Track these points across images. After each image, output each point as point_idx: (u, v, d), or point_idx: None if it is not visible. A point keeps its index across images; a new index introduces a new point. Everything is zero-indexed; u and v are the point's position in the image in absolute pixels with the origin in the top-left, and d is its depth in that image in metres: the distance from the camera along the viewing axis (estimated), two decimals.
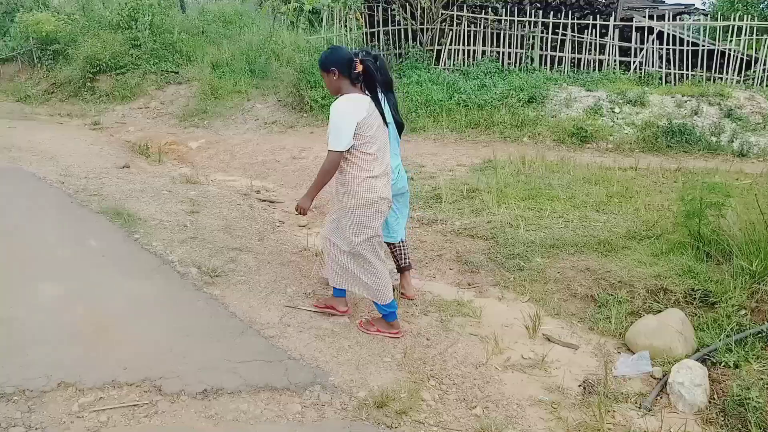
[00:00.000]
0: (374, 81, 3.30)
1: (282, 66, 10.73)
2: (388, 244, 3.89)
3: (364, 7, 10.68)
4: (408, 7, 10.38)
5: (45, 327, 3.34)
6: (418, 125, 8.28)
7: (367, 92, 3.28)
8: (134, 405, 2.75)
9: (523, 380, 3.24)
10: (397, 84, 9.23)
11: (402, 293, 4.07)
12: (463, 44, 10.42)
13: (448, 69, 10.22)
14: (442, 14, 10.34)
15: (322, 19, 12.31)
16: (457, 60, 10.45)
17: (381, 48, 10.63)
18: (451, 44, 10.44)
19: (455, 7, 10.31)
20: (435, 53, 10.51)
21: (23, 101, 11.22)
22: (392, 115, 3.57)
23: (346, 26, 10.93)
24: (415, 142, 7.86)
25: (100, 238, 4.63)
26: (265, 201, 6.13)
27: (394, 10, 10.40)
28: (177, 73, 11.00)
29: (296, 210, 3.46)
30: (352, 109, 3.15)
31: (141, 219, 5.05)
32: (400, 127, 3.68)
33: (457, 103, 8.69)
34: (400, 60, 10.56)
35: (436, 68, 10.16)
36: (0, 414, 2.64)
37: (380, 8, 10.56)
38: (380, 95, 3.37)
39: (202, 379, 2.94)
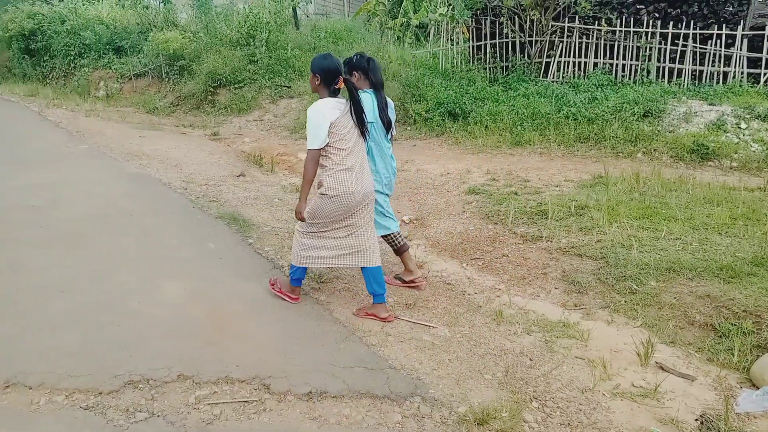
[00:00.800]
0: (371, 81, 3.90)
1: (387, 80, 10.95)
2: (384, 236, 4.21)
3: (472, 21, 10.67)
4: (517, 19, 10.25)
5: (168, 322, 3.62)
6: (523, 138, 8.12)
7: (340, 97, 3.64)
8: (245, 401, 2.90)
9: (633, 409, 3.07)
10: (503, 97, 9.12)
11: (407, 282, 4.34)
12: (574, 56, 10.11)
13: (556, 81, 9.96)
14: (552, 26, 10.11)
15: (428, 33, 12.43)
16: (567, 72, 10.16)
17: (488, 61, 10.56)
18: (560, 56, 10.17)
19: (566, 19, 10.04)
20: (543, 66, 10.28)
21: (152, 113, 12.26)
22: (378, 113, 3.92)
23: (451, 40, 10.97)
24: (520, 155, 7.71)
25: (218, 241, 4.94)
26: None
27: (502, 23, 10.31)
28: (289, 87, 11.55)
29: (295, 216, 3.74)
30: (326, 111, 3.52)
31: (255, 225, 5.34)
32: (387, 125, 4.01)
33: (565, 117, 8.42)
34: (507, 73, 10.43)
35: (543, 81, 9.93)
36: (128, 399, 2.88)
37: (488, 21, 10.51)
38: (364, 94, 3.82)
39: (308, 381, 3.05)
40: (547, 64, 10.28)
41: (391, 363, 3.29)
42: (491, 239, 5.23)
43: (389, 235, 4.24)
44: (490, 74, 10.45)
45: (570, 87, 9.48)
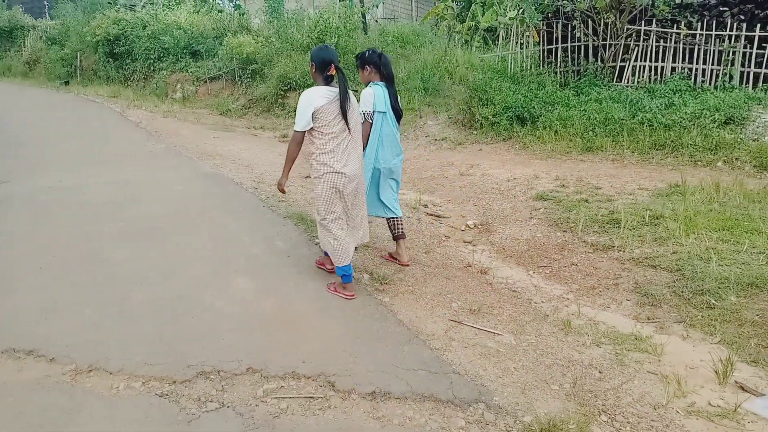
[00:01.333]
0: (382, 74, 4.36)
1: (454, 84, 10.91)
2: (387, 219, 4.68)
3: (543, 24, 10.46)
4: (590, 23, 9.97)
5: (238, 316, 3.74)
6: (595, 144, 7.87)
7: (333, 86, 3.91)
8: (310, 397, 2.96)
9: (709, 429, 2.91)
10: (574, 101, 8.89)
11: (396, 259, 4.74)
12: (650, 60, 9.72)
13: (631, 86, 9.61)
14: (627, 30, 9.76)
15: (497, 37, 12.29)
16: (642, 77, 9.78)
17: (558, 65, 10.33)
18: (635, 60, 9.81)
19: (643, 22, 9.67)
20: (617, 70, 9.95)
21: (225, 114, 12.71)
22: (391, 104, 4.40)
23: (520, 44, 10.80)
24: (591, 162, 7.48)
25: (286, 240, 5.06)
26: (432, 215, 6.25)
27: (574, 26, 10.05)
28: (356, 91, 11.67)
29: (277, 188, 4.20)
30: (314, 98, 3.83)
31: None
32: (398, 115, 4.48)
33: (640, 123, 8.11)
34: (578, 77, 10.16)
35: (617, 85, 9.61)
36: (200, 389, 2.99)
37: (560, 25, 10.28)
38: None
39: (372, 381, 3.07)
40: (621, 68, 9.94)
41: (455, 368, 3.26)
42: (560, 247, 5.11)
43: (393, 219, 4.66)
44: (560, 78, 10.22)
45: (645, 92, 9.13)
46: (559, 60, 10.37)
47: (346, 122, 3.91)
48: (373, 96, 4.35)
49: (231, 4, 17.73)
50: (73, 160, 7.98)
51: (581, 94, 9.27)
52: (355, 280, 4.29)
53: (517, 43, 10.78)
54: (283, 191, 4.20)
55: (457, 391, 3.04)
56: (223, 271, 4.40)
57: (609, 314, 4.08)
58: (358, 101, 4.24)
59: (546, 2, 10.43)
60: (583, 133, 8.18)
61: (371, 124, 4.37)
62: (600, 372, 3.36)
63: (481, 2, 14.33)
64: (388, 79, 4.41)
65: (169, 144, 8.99)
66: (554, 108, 8.78)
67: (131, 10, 18.36)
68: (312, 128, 3.88)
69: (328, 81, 3.92)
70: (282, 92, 12.15)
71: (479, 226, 5.85)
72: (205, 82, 14.16)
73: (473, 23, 14.26)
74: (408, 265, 4.67)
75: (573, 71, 10.32)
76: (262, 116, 12.32)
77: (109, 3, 19.82)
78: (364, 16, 14.76)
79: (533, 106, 8.79)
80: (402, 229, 4.68)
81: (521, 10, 11.01)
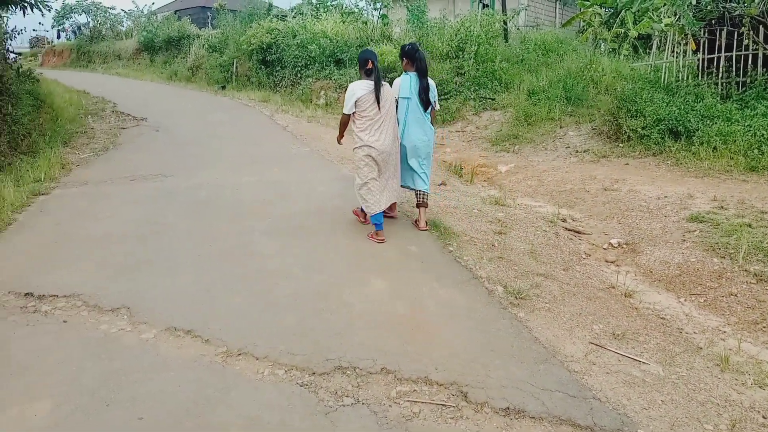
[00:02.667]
0: (416, 66, 5.31)
1: (600, 94, 10.38)
2: (415, 190, 5.59)
3: (705, 32, 9.62)
4: (762, 29, 9.00)
5: (373, 315, 3.83)
6: (761, 164, 7.06)
7: (371, 79, 5.05)
8: (442, 405, 2.95)
9: None
10: (738, 115, 8.06)
11: (416, 222, 5.63)
12: None
13: None
14: None
15: (650, 45, 11.52)
16: None
17: (720, 75, 9.44)
18: None
19: None
20: None
21: None
22: (418, 93, 5.30)
23: (675, 52, 10.00)
24: (756, 183, 6.73)
25: (420, 246, 5.12)
26: (571, 230, 5.99)
27: (742, 33, 9.13)
28: (494, 99, 11.55)
29: (337, 141, 5.68)
30: (356, 89, 5.04)
31: (455, 233, 5.43)
32: (424, 102, 5.34)
33: None
34: (743, 89, 9.20)
35: None
36: (337, 383, 3.11)
37: (724, 32, 9.39)
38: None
39: (506, 396, 3.00)
40: None
41: (595, 394, 3.09)
42: (716, 275, 4.66)
43: (416, 191, 5.56)
44: (721, 90, 9.32)
45: None
46: (721, 70, 9.48)
47: (379, 107, 5.04)
48: (399, 85, 5.38)
49: (377, 13, 18.30)
50: (229, 159, 8.69)
51: (746, 108, 8.39)
52: (489, 291, 4.24)
53: (672, 51, 10.02)
54: (340, 143, 5.68)
55: (598, 419, 2.87)
56: (359, 271, 4.55)
57: None
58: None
59: (708, 8, 9.58)
60: (747, 151, 7.39)
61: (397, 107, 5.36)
62: (764, 417, 3.02)
63: (633, 9, 13.50)
64: (421, 72, 5.29)
65: (312, 147, 9.47)
66: (714, 122, 8.02)
67: (283, 20, 19.63)
68: (354, 112, 5.07)
69: (368, 74, 5.07)
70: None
71: (624, 246, 5.50)
72: (347, 89, 14.74)
73: (622, 30, 13.47)
74: (426, 229, 5.49)
75: (737, 83, 9.38)
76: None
77: (264, 14, 21.37)
78: (505, 23, 14.54)
79: (689, 120, 8.10)
80: (424, 199, 5.55)
81: (678, 17, 10.21)
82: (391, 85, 5.39)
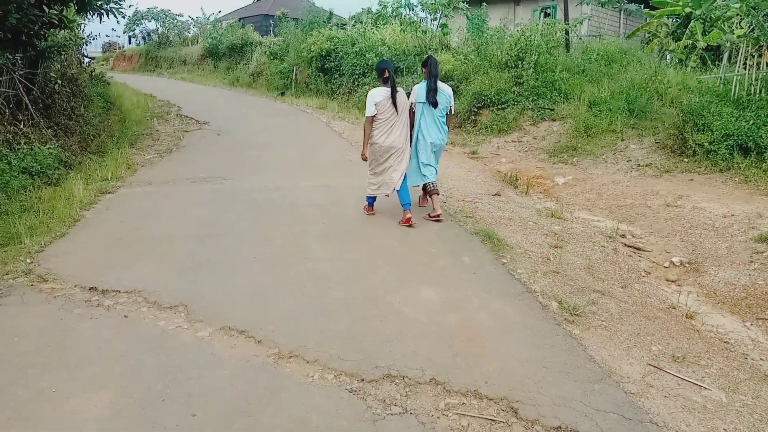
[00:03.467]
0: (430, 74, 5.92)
1: (664, 106, 10.03)
2: (430, 182, 6.09)
3: None
4: None
5: (424, 325, 3.81)
6: None
7: (388, 86, 5.76)
8: (492, 419, 2.90)
9: None
10: None
11: (429, 214, 6.09)
12: None
13: None
14: None
15: (720, 56, 11.05)
16: None
17: None
18: None
19: None
20: None
21: None
22: (426, 97, 5.90)
23: (746, 65, 9.54)
24: None
25: (472, 256, 5.07)
26: (630, 247, 5.79)
27: None
28: (552, 110, 11.33)
29: (361, 158, 5.98)
30: (375, 95, 5.72)
31: (508, 245, 5.34)
32: (433, 104, 5.92)
33: None
34: None
35: None
36: (385, 391, 3.10)
37: None
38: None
39: (557, 415, 2.92)
40: None
41: (652, 417, 2.97)
42: None
43: (430, 183, 6.08)
44: None
45: None
46: None
47: (396, 110, 5.74)
48: (416, 92, 6.04)
49: (436, 23, 18.32)
50: (287, 163, 8.87)
51: None
52: (543, 306, 4.15)
53: (743, 63, 9.58)
54: (365, 159, 5.93)
55: None
56: (410, 279, 4.54)
57: None
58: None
59: None
60: None
61: (413, 111, 6.04)
62: None
63: (703, 19, 13.00)
64: (431, 77, 5.88)
65: None
66: None
67: (342, 28, 19.93)
68: (375, 115, 5.71)
69: (385, 82, 5.77)
70: (475, 109, 12.19)
71: (686, 265, 5.28)
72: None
73: (690, 41, 12.99)
74: (440, 218, 5.99)
75: None
76: (453, 132, 12.49)
77: (324, 22, 21.77)
78: (567, 33, 14.27)
79: (761, 135, 7.71)
80: (436, 187, 6.07)
81: (752, 28, 9.75)
82: (407, 93, 6.11)
